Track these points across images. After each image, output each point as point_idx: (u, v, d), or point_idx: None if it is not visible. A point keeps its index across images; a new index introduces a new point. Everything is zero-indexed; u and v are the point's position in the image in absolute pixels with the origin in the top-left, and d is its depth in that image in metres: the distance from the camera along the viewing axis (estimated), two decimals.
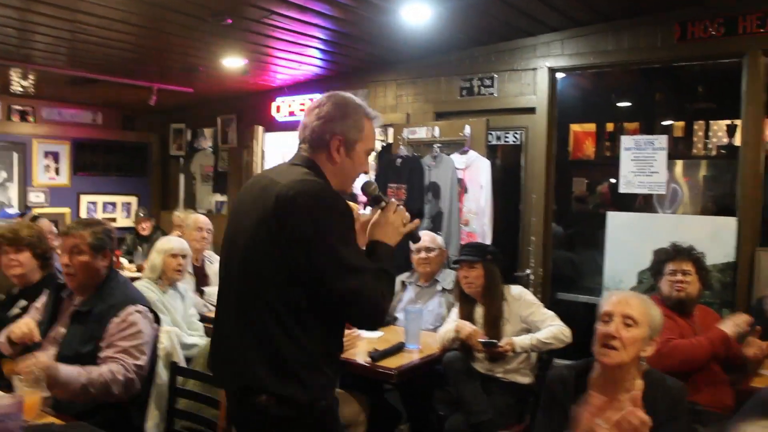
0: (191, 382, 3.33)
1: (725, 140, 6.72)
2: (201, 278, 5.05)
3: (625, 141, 4.98)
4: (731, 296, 4.51)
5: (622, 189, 4.97)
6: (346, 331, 2.47)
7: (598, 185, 7.36)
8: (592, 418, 2.06)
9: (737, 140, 5.18)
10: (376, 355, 3.36)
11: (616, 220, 4.97)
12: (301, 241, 1.94)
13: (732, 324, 3.36)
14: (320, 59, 6.01)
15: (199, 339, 4.07)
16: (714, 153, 6.80)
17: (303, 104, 6.85)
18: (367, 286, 1.97)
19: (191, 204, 8.59)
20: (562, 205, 7.30)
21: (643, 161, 4.86)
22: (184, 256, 4.21)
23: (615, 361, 2.24)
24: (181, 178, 8.80)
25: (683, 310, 3.56)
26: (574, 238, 6.98)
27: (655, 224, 4.82)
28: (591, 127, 8.21)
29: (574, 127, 8.19)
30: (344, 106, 2.18)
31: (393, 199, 2.26)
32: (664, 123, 7.36)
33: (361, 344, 3.68)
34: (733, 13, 4.51)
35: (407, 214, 2.23)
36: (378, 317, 2.06)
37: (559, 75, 5.40)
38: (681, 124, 7.07)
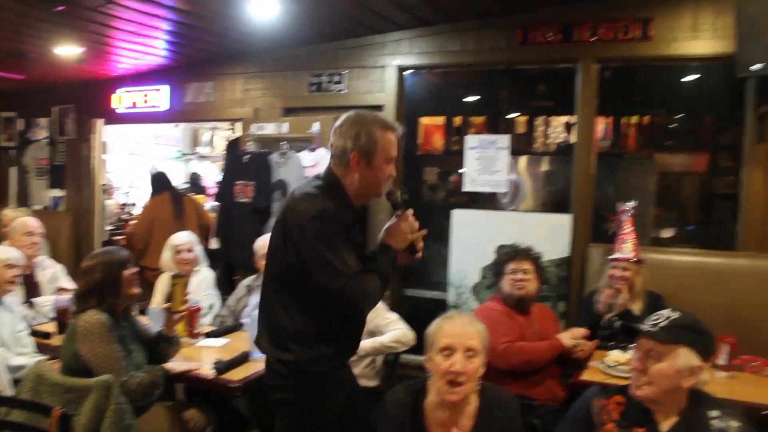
0: (16, 412, 3.00)
1: (563, 137, 7.08)
2: (30, 288, 4.54)
3: (470, 140, 5.13)
4: (566, 289, 4.78)
5: (467, 187, 5.13)
6: None
7: (450, 175, 7.54)
8: None
9: (573, 137, 5.48)
10: (221, 367, 3.25)
11: (460, 217, 5.11)
12: (294, 244, 2.38)
13: (570, 336, 3.68)
14: (165, 50, 5.75)
15: (27, 359, 3.59)
16: (553, 149, 7.15)
17: (146, 95, 6.53)
18: (348, 287, 2.30)
19: (24, 200, 7.99)
20: (414, 197, 7.45)
21: (486, 160, 5.03)
22: (19, 266, 3.83)
23: (462, 396, 2.27)
24: (13, 171, 8.15)
25: (522, 308, 3.75)
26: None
27: (498, 221, 5.01)
28: (440, 120, 8.41)
29: (424, 121, 8.36)
30: (359, 123, 2.48)
31: (409, 210, 2.51)
32: (509, 117, 7.67)
33: (206, 354, 3.57)
34: (569, 21, 4.76)
35: (416, 224, 2.51)
36: (359, 312, 2.45)
37: (408, 72, 5.48)
38: (524, 119, 7.41)
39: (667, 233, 7.12)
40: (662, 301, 3.95)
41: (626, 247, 4.01)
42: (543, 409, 3.46)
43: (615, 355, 3.42)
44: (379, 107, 5.41)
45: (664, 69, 5.65)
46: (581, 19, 4.72)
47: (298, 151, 5.34)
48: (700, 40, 4.43)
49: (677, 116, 7.71)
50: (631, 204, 4.05)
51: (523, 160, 6.98)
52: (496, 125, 7.38)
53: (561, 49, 4.79)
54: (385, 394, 2.47)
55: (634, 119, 7.38)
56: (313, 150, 5.28)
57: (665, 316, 2.17)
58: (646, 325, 2.16)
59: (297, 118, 5.55)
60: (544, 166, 6.84)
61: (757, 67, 3.80)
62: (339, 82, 5.57)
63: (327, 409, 2.49)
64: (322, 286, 2.34)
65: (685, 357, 2.11)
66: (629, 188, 6.51)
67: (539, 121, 7.22)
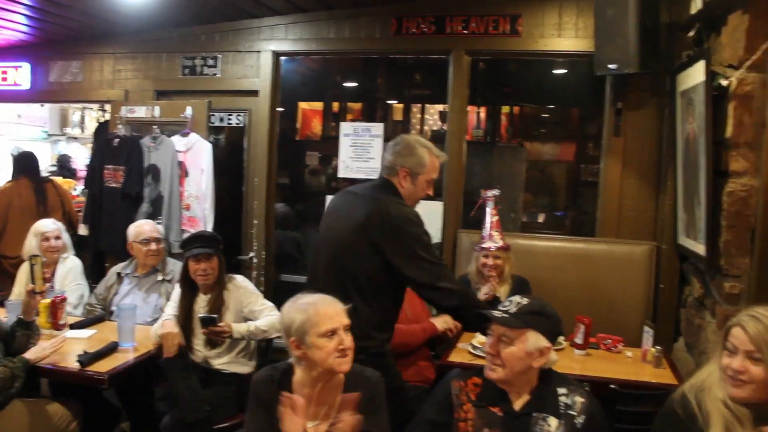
0: None
1: (439, 125, 7.27)
2: None
3: (344, 127, 5.18)
4: None
5: (341, 173, 5.19)
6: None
7: (331, 160, 7.56)
8: (300, 418, 2.14)
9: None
10: (85, 359, 3.15)
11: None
12: (387, 245, 2.82)
13: (442, 321, 3.84)
14: (25, 25, 5.43)
15: None
16: (429, 137, 7.33)
17: (5, 73, 6.13)
18: (447, 275, 2.91)
19: None
20: (295, 182, 7.44)
21: (360, 147, 5.10)
22: None
23: (347, 369, 2.31)
24: None
25: None
26: (303, 216, 7.12)
27: None
28: (319, 106, 8.42)
29: (303, 106, 8.35)
30: (411, 146, 2.99)
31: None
32: (386, 104, 7.79)
33: (70, 345, 3.45)
34: (441, 13, 4.89)
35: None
36: (450, 299, 2.89)
37: (285, 58, 5.45)
38: (401, 107, 7.56)
39: (539, 218, 7.48)
40: (527, 285, 4.14)
41: (495, 236, 4.14)
42: (414, 390, 3.57)
43: (481, 338, 3.57)
44: (254, 92, 5.36)
45: (536, 63, 5.90)
46: (454, 12, 4.85)
47: (171, 135, 5.21)
48: (564, 38, 4.67)
49: (548, 107, 8.07)
50: (494, 191, 4.19)
51: None
52: (373, 112, 7.49)
53: (434, 40, 4.91)
54: (253, 375, 2.49)
55: (506, 110, 7.70)
56: (185, 135, 5.16)
57: (515, 302, 2.29)
58: (497, 312, 2.28)
59: (170, 102, 5.40)
60: None
61: (612, 66, 4.04)
62: (213, 66, 5.47)
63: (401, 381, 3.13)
64: (420, 282, 2.86)
65: (534, 339, 2.25)
66: (501, 176, 6.75)
67: (415, 109, 7.40)
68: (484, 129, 7.47)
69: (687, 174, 3.77)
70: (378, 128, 5.12)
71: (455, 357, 3.53)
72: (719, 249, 3.31)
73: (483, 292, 3.90)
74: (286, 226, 6.52)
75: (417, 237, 2.87)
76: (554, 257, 4.54)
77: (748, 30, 3.21)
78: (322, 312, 2.28)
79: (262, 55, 5.32)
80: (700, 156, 3.43)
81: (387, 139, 5.25)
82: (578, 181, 7.51)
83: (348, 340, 2.30)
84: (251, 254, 5.40)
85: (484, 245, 4.12)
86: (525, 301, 2.29)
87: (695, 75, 3.49)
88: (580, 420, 2.20)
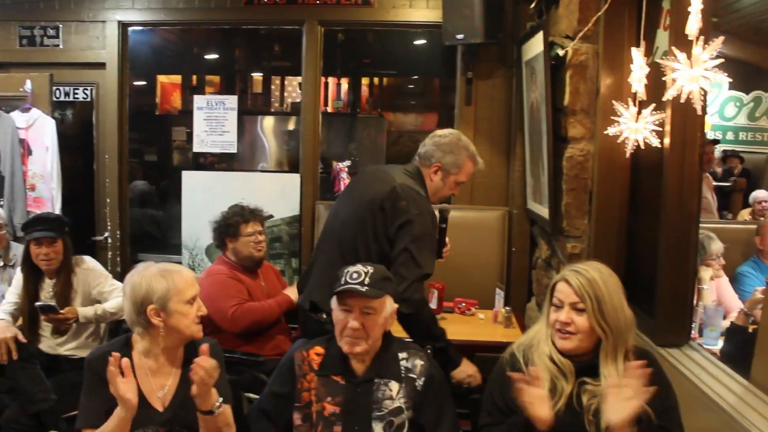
0: None
1: (298, 98, 7.20)
2: None
3: (198, 100, 5.03)
4: (298, 246, 4.91)
5: (196, 148, 5.05)
6: None
7: None
8: (129, 379, 2.09)
9: None
10: None
11: (191, 179, 5.02)
12: (397, 223, 2.78)
13: (294, 290, 3.72)
14: None
15: None
16: (288, 109, 7.25)
17: None
18: (414, 286, 2.73)
19: None
20: (162, 159, 7.19)
21: (215, 120, 4.97)
22: None
23: (202, 336, 2.31)
24: None
25: (253, 269, 3.78)
26: (165, 193, 6.91)
27: (230, 182, 4.98)
28: (177, 79, 8.15)
29: (162, 79, 8.05)
30: (455, 145, 2.98)
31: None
32: (246, 76, 7.65)
33: None
34: None
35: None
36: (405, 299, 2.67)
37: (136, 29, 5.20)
38: (260, 78, 7.43)
39: None
40: None
41: None
42: (270, 364, 3.54)
43: None
44: (100, 65, 5.08)
45: (396, 33, 5.93)
46: None
47: (9, 111, 4.85)
48: (416, 8, 4.72)
49: (410, 78, 8.18)
50: (346, 162, 4.20)
51: (269, 119, 6.99)
52: (232, 84, 7.32)
53: (286, 11, 4.84)
54: (88, 355, 2.38)
55: (367, 81, 7.73)
56: (26, 110, 4.81)
57: (363, 272, 2.28)
58: (351, 284, 2.24)
59: (7, 75, 5.02)
60: (291, 125, 6.91)
61: (460, 36, 4.12)
62: (55, 37, 5.12)
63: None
64: (397, 273, 2.67)
65: (389, 304, 2.31)
66: (363, 146, 6.80)
67: (277, 81, 7.30)
68: (345, 100, 7.49)
69: (533, 141, 3.93)
70: (232, 101, 5.00)
71: None
72: (561, 212, 3.48)
73: None
74: (145, 204, 6.30)
75: (416, 236, 2.79)
76: None
77: (581, 3, 3.36)
78: (185, 279, 2.26)
79: (108, 25, 5.03)
80: (542, 123, 3.57)
81: (243, 111, 5.16)
82: None
83: (204, 308, 2.30)
84: (106, 234, 5.17)
85: None
86: (370, 269, 2.30)
87: (536, 45, 3.62)
88: (420, 382, 2.27)
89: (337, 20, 4.87)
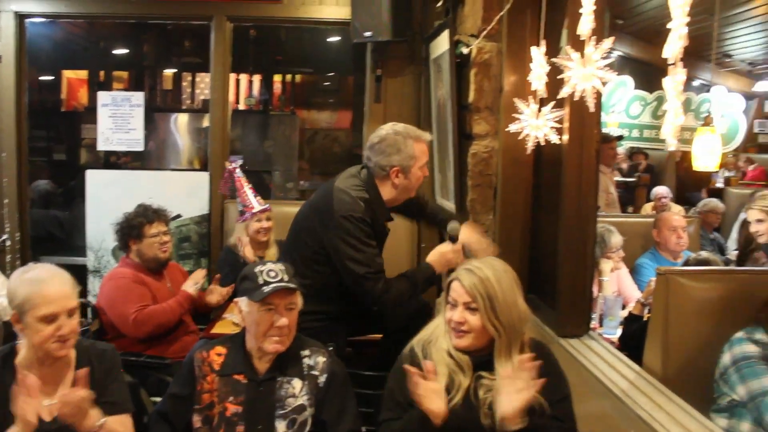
0: None
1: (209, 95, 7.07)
2: None
3: (102, 97, 4.88)
4: (207, 245, 4.83)
5: (101, 146, 4.90)
6: None
7: None
8: (33, 398, 2.00)
9: None
10: None
11: (96, 178, 4.87)
12: (328, 232, 2.79)
13: (192, 283, 3.65)
14: None
15: None
16: (200, 106, 7.12)
17: None
18: (373, 284, 2.76)
19: None
20: (71, 158, 6.94)
21: (120, 118, 4.83)
22: None
23: (65, 354, 2.19)
24: None
25: (158, 270, 3.69)
26: (71, 193, 6.66)
27: (138, 181, 4.86)
28: (85, 74, 7.90)
29: (68, 74, 7.79)
30: (396, 140, 2.86)
31: (459, 245, 2.91)
32: (158, 71, 7.48)
33: None
34: None
35: (461, 260, 2.82)
36: (380, 304, 2.82)
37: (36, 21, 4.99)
38: (170, 75, 7.27)
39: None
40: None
41: (258, 200, 4.10)
42: (177, 366, 3.47)
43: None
44: None
45: (309, 30, 5.91)
46: None
47: None
48: (326, 5, 4.73)
49: (325, 75, 8.16)
50: (238, 160, 4.13)
51: (183, 117, 6.85)
52: (141, 80, 7.14)
53: (194, 6, 4.77)
54: None
55: (279, 78, 7.68)
56: None
57: (279, 269, 2.26)
58: (277, 283, 2.22)
59: None
60: (205, 122, 6.77)
61: (368, 34, 4.14)
62: None
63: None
64: (349, 280, 2.78)
65: (301, 300, 2.32)
66: (277, 144, 6.75)
67: (186, 77, 7.16)
68: (258, 98, 7.41)
69: (440, 138, 3.99)
70: (139, 97, 4.87)
71: (220, 329, 3.48)
72: (467, 207, 3.54)
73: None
74: (48, 205, 6.07)
75: (346, 237, 2.78)
76: None
77: (485, 2, 3.43)
78: (45, 294, 2.11)
79: (3, 15, 4.80)
80: (448, 120, 3.63)
81: (152, 108, 5.04)
82: (354, 149, 7.69)
83: (70, 325, 2.15)
84: (4, 237, 4.95)
85: (255, 210, 4.07)
86: (281, 265, 2.29)
87: (442, 44, 3.67)
88: (322, 379, 2.28)
89: (246, 16, 4.83)
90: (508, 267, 2.18)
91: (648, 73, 9.86)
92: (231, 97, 7.51)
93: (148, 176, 5.13)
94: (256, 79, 7.42)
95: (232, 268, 4.12)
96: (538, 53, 2.95)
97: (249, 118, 6.82)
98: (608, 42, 2.38)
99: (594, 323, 3.48)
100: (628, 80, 9.32)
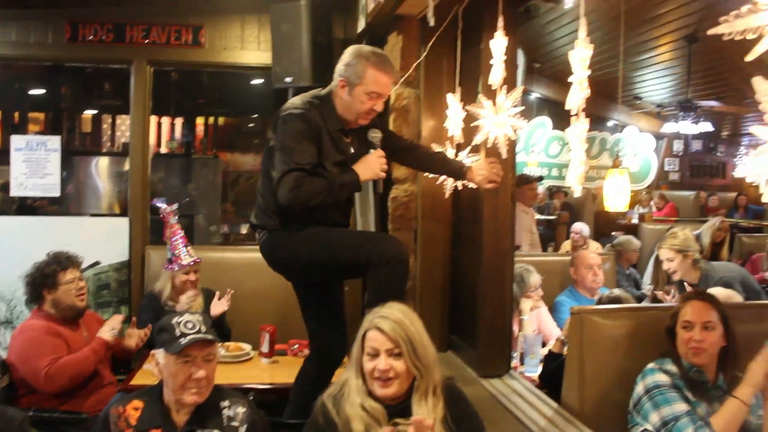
0: None
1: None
2: None
3: (16, 141, 4.73)
4: (128, 293, 4.72)
5: (14, 192, 4.74)
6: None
7: None
8: None
9: None
10: None
11: (6, 225, 4.70)
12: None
13: (108, 329, 3.50)
14: None
15: None
16: (120, 149, 7.01)
17: None
18: (286, 176, 2.57)
19: None
20: None
21: (35, 162, 4.70)
22: None
23: None
24: None
25: (74, 320, 3.55)
26: None
27: (52, 227, 4.72)
28: None
29: None
30: (354, 55, 2.73)
31: (380, 150, 2.76)
32: (77, 115, 7.34)
33: None
34: (121, 20, 4.67)
35: (385, 166, 2.75)
36: (285, 202, 2.61)
37: None
38: (89, 116, 7.15)
39: (243, 229, 7.49)
40: (215, 295, 4.10)
41: (188, 251, 4.01)
42: (92, 422, 3.34)
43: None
44: None
45: (232, 74, 5.90)
46: (134, 21, 4.67)
47: None
48: (248, 50, 4.74)
49: (248, 118, 8.16)
50: (171, 207, 4.05)
51: (105, 160, 6.71)
52: (59, 122, 6.99)
53: (113, 49, 4.69)
54: None
55: (201, 120, 7.64)
56: None
57: (195, 320, 2.22)
58: (198, 335, 2.18)
59: None
60: (127, 166, 6.64)
61: (288, 79, 4.18)
62: None
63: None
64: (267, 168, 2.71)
65: (218, 351, 2.30)
66: (199, 188, 6.68)
67: (106, 119, 7.05)
68: (181, 140, 7.35)
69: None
70: (55, 141, 4.75)
71: (140, 379, 3.36)
72: None
73: (184, 302, 3.83)
74: None
75: (287, 130, 2.66)
76: (244, 267, 4.52)
77: (403, 49, 3.53)
78: None
79: None
80: None
81: (69, 152, 4.93)
82: None
83: None
84: None
85: (183, 262, 3.96)
86: (198, 316, 2.26)
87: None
88: (242, 430, 2.24)
89: (166, 60, 4.79)
90: (410, 309, 2.19)
91: (565, 114, 10.19)
92: (153, 140, 7.44)
93: (63, 222, 4.97)
94: (179, 122, 7.35)
95: (155, 315, 4.03)
96: (453, 100, 3.06)
97: (171, 162, 6.75)
98: (519, 91, 2.49)
99: (515, 362, 3.55)
100: (547, 121, 9.64)
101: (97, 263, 4.61)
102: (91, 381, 3.45)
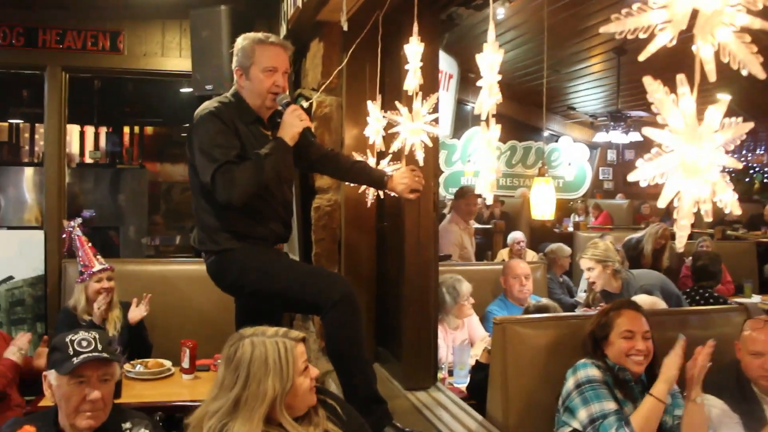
0: None
1: None
2: None
3: None
4: (44, 309, 4.50)
5: None
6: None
7: None
8: None
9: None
10: None
11: None
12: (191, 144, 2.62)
13: (15, 349, 3.33)
14: None
15: None
16: (40, 159, 6.75)
17: None
18: (216, 176, 2.46)
19: None
20: None
21: None
22: None
23: None
24: None
25: None
26: None
27: None
28: None
29: None
30: (239, 42, 2.70)
31: (293, 105, 2.65)
32: None
33: None
34: (33, 24, 4.49)
35: (304, 114, 2.63)
36: (226, 201, 2.50)
37: None
38: (5, 125, 6.86)
39: (178, 240, 7.30)
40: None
41: (98, 259, 3.86)
42: None
43: None
44: None
45: (162, 82, 5.74)
46: (48, 25, 4.49)
47: None
48: (168, 57, 4.61)
49: (179, 126, 7.96)
50: (74, 222, 3.89)
51: (29, 171, 6.44)
52: None
53: (25, 54, 4.50)
54: None
55: (127, 129, 7.43)
56: None
57: (91, 338, 2.09)
58: (87, 353, 2.04)
59: None
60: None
61: (209, 87, 4.05)
62: None
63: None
64: (196, 180, 2.58)
65: (118, 370, 2.17)
66: (126, 198, 6.47)
67: (26, 129, 6.79)
68: (105, 150, 7.12)
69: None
70: None
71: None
72: (311, 261, 3.49)
73: (97, 310, 3.66)
74: None
75: (202, 132, 2.57)
76: (168, 281, 4.36)
77: (324, 56, 3.46)
78: None
79: None
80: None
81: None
82: None
83: None
84: None
85: (94, 270, 3.82)
86: (95, 333, 2.12)
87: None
88: None
89: (82, 66, 4.62)
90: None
91: (503, 124, 10.32)
92: (76, 149, 7.20)
93: None
94: (103, 131, 7.12)
95: (66, 326, 3.85)
96: (373, 107, 2.99)
97: (95, 172, 6.51)
98: (434, 98, 2.44)
99: (443, 373, 3.49)
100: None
101: (10, 278, 4.39)
102: None
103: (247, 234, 2.69)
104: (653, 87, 1.02)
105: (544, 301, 3.62)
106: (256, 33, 2.74)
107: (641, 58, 1.08)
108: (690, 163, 1.02)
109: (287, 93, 2.75)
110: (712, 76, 1.02)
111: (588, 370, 2.44)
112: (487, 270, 5.01)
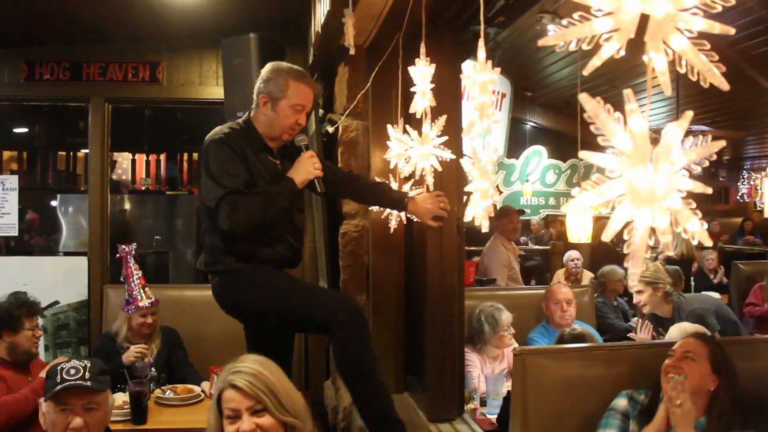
0: None
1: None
2: None
3: None
4: (87, 333, 4.59)
5: None
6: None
7: None
8: None
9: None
10: None
11: None
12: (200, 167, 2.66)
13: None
14: None
15: None
16: None
17: None
18: (221, 204, 2.50)
19: None
20: None
21: None
22: None
23: None
24: None
25: (24, 363, 3.44)
26: None
27: (9, 267, 4.60)
28: None
29: None
30: (272, 71, 2.71)
31: (310, 151, 2.74)
32: (52, 153, 7.27)
33: None
34: (78, 59, 4.64)
35: (319, 164, 2.71)
36: (228, 229, 2.54)
37: None
38: (64, 155, 7.09)
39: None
40: (176, 335, 3.97)
41: (147, 291, 3.89)
42: None
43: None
44: None
45: (211, 110, 5.81)
46: (91, 59, 4.64)
47: None
48: (206, 85, 4.69)
49: None
50: (132, 245, 3.94)
51: (83, 197, 6.62)
52: (34, 161, 6.92)
53: (70, 88, 4.65)
54: None
55: (185, 157, 7.57)
56: None
57: (80, 366, 2.09)
58: (71, 381, 2.03)
59: None
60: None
61: (240, 113, 4.06)
62: None
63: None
64: (203, 203, 2.62)
65: (111, 398, 2.17)
66: (175, 225, 6.56)
67: (81, 157, 6.99)
68: (153, 177, 7.27)
69: (317, 218, 3.91)
70: (13, 180, 4.68)
71: None
72: (340, 288, 3.44)
73: (131, 355, 3.69)
74: None
75: (211, 157, 2.62)
76: (202, 306, 4.34)
77: (349, 81, 3.43)
78: None
79: None
80: (319, 200, 3.56)
81: (25, 190, 4.85)
82: None
83: None
84: None
85: (140, 304, 3.83)
86: (87, 363, 2.12)
87: (311, 123, 3.63)
88: None
89: (123, 97, 4.74)
90: (266, 358, 1.92)
91: (560, 143, 10.11)
92: (129, 177, 7.37)
93: (17, 262, 4.85)
94: (153, 158, 7.29)
95: (108, 357, 3.90)
96: (393, 131, 2.93)
97: (145, 199, 6.65)
98: (443, 120, 2.36)
99: (475, 403, 3.38)
100: (542, 150, 9.51)
101: (56, 303, 4.49)
102: (29, 422, 3.31)
103: (254, 255, 2.70)
104: (591, 105, 0.93)
105: (579, 329, 3.46)
106: (290, 65, 2.78)
107: (585, 72, 1.00)
108: (643, 189, 0.92)
109: (304, 135, 2.81)
110: (668, 89, 0.94)
111: (618, 401, 2.37)
112: (530, 294, 4.86)
